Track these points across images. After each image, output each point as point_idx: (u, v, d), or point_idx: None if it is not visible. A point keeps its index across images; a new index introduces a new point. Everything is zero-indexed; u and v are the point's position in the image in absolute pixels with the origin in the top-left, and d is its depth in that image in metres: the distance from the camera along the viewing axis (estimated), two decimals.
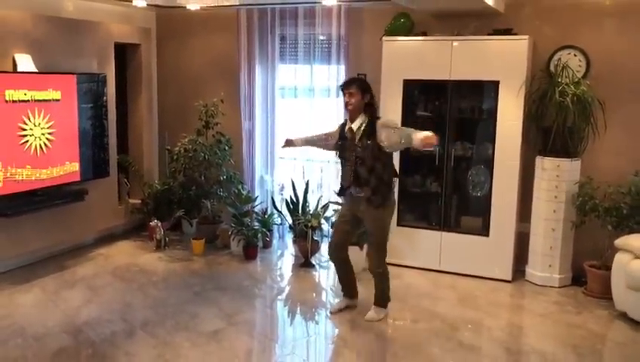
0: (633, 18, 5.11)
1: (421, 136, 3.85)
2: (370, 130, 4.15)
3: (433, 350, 4.03)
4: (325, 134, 4.52)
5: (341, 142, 4.34)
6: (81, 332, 4.18)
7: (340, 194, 4.49)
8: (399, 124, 4.57)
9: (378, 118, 4.27)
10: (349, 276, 4.62)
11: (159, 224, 6.08)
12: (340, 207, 4.84)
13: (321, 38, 6.12)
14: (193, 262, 5.78)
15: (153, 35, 6.83)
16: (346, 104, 4.22)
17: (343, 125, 4.38)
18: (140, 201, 6.56)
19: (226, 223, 6.36)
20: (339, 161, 4.48)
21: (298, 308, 4.84)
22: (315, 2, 5.93)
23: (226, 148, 6.31)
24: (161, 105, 7.00)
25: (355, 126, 4.21)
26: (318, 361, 4.07)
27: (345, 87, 4.24)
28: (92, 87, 5.83)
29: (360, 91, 4.17)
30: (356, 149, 4.18)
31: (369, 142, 4.13)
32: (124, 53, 6.63)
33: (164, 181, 6.49)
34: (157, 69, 6.92)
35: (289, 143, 4.63)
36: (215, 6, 6.16)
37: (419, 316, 4.60)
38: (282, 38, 6.37)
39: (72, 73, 5.59)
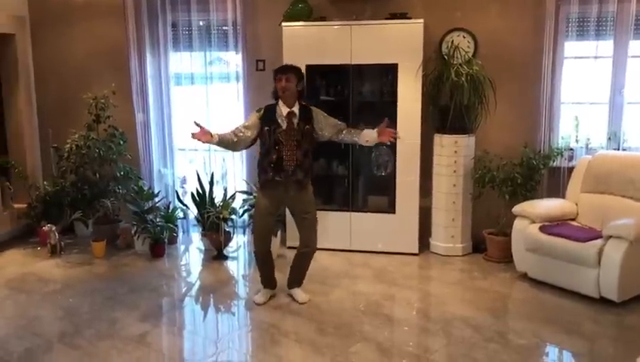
0: (512, 1, 5.52)
1: (375, 136, 4.36)
2: (306, 115, 4.28)
3: (365, 327, 4.14)
4: (244, 127, 4.30)
5: (273, 127, 4.22)
6: None
7: (268, 183, 4.31)
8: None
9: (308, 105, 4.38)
10: (271, 268, 4.61)
11: (53, 228, 5.63)
12: (252, 197, 4.66)
13: (216, 24, 5.95)
14: (96, 266, 5.43)
15: (27, 23, 6.24)
16: (283, 89, 4.20)
17: (272, 110, 4.28)
18: (26, 205, 6.02)
19: (125, 222, 6.04)
20: (266, 148, 4.27)
21: (223, 302, 4.72)
22: None
23: (121, 142, 5.97)
24: (42, 100, 6.43)
25: (296, 110, 4.27)
26: (257, 353, 3.95)
27: (282, 72, 4.25)
28: None
29: (296, 78, 4.26)
30: (296, 133, 4.23)
31: (307, 127, 4.27)
32: None
33: (54, 182, 5.99)
34: (34, 60, 6.34)
35: (206, 137, 4.17)
36: None
37: (342, 296, 4.70)
38: (174, 25, 6.11)
39: None
